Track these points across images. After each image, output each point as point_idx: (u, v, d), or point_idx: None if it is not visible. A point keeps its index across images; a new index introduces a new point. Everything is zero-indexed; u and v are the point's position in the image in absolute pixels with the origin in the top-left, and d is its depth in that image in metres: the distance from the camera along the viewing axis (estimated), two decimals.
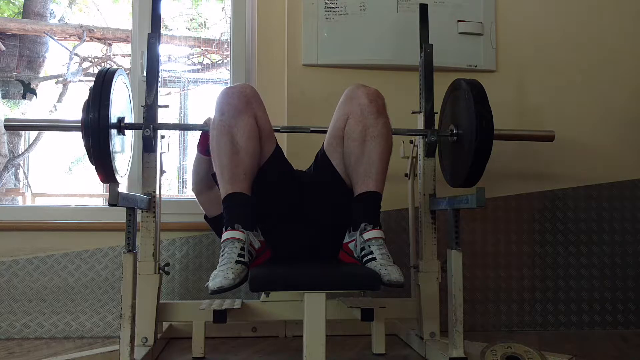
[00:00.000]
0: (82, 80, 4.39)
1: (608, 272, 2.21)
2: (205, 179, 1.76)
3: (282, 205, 1.59)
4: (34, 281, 2.04)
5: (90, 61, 4.46)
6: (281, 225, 1.58)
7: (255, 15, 2.26)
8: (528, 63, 2.25)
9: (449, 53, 2.15)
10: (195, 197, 1.86)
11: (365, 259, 1.41)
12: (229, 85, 1.54)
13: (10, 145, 4.22)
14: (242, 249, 1.37)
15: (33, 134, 4.37)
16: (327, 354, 1.23)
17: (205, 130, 1.68)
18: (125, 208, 1.47)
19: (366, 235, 1.43)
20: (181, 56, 4.01)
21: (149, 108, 1.65)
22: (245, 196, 1.45)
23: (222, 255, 1.37)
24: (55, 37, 4.31)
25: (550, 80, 2.26)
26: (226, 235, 1.40)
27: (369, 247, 1.41)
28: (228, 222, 1.42)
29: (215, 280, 1.29)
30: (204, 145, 1.73)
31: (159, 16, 1.73)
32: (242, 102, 1.48)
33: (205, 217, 1.86)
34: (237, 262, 1.33)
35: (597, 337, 2.08)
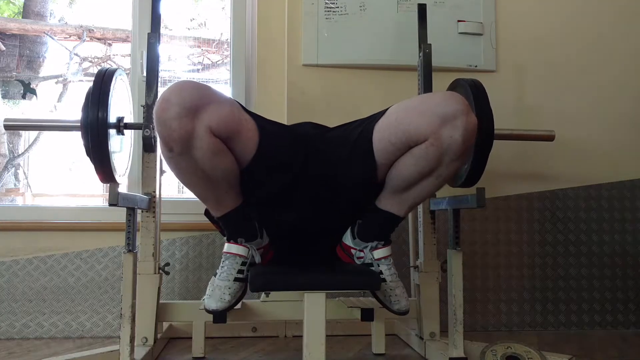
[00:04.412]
0: (82, 80, 4.38)
1: (608, 272, 2.21)
2: None
3: (286, 179, 1.40)
4: (34, 281, 2.04)
5: (90, 61, 4.46)
6: (286, 197, 1.42)
7: (255, 15, 2.26)
8: (528, 63, 2.25)
9: (449, 53, 2.15)
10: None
11: None
12: (162, 96, 1.24)
13: (10, 145, 4.22)
14: (244, 264, 1.37)
15: (33, 134, 4.36)
16: (327, 354, 1.23)
17: None
18: (125, 208, 1.47)
19: (377, 254, 1.41)
20: (181, 56, 4.00)
21: (149, 108, 1.65)
22: (237, 211, 1.38)
23: (222, 267, 1.38)
24: (55, 37, 4.31)
25: (550, 80, 2.25)
26: (229, 248, 1.39)
27: (379, 266, 1.40)
28: (230, 236, 1.40)
29: (211, 299, 1.33)
30: None
31: (159, 16, 1.73)
32: (187, 123, 1.18)
33: (206, 213, 1.63)
34: (235, 279, 1.35)
35: (597, 337, 2.08)
